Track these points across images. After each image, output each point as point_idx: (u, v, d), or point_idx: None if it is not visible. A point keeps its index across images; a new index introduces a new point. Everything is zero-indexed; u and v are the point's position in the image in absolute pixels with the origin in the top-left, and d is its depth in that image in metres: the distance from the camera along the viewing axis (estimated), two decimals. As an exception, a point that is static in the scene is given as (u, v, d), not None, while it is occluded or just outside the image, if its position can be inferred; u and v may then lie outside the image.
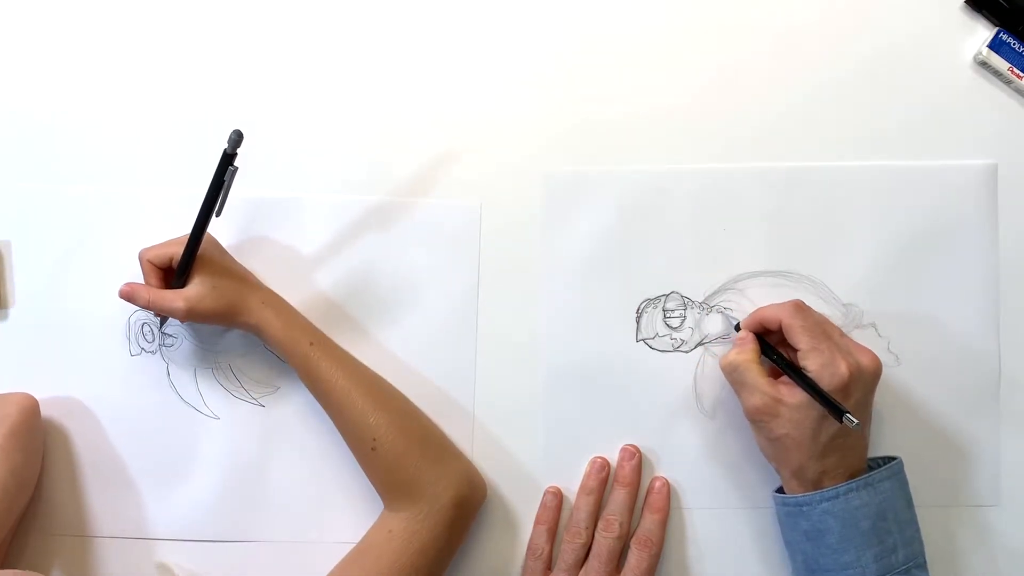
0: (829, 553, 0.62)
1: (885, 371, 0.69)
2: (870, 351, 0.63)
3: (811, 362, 0.62)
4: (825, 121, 0.72)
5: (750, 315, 0.67)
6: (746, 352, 0.65)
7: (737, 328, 0.68)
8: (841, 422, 0.59)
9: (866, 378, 0.62)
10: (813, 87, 0.72)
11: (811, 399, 0.61)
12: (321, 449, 0.71)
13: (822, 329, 0.63)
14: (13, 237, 0.72)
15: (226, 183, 0.64)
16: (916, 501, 0.68)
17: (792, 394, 0.62)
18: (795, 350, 0.63)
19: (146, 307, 0.67)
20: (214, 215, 0.65)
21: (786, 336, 0.64)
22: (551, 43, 0.73)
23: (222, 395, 0.72)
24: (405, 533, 0.63)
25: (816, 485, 0.62)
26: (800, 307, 0.64)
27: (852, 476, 0.62)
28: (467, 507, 0.67)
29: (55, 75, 0.74)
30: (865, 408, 0.63)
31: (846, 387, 0.61)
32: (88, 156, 0.73)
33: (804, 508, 0.63)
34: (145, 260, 0.67)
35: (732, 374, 0.65)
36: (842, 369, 0.61)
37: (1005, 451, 0.70)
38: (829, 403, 0.60)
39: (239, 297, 0.67)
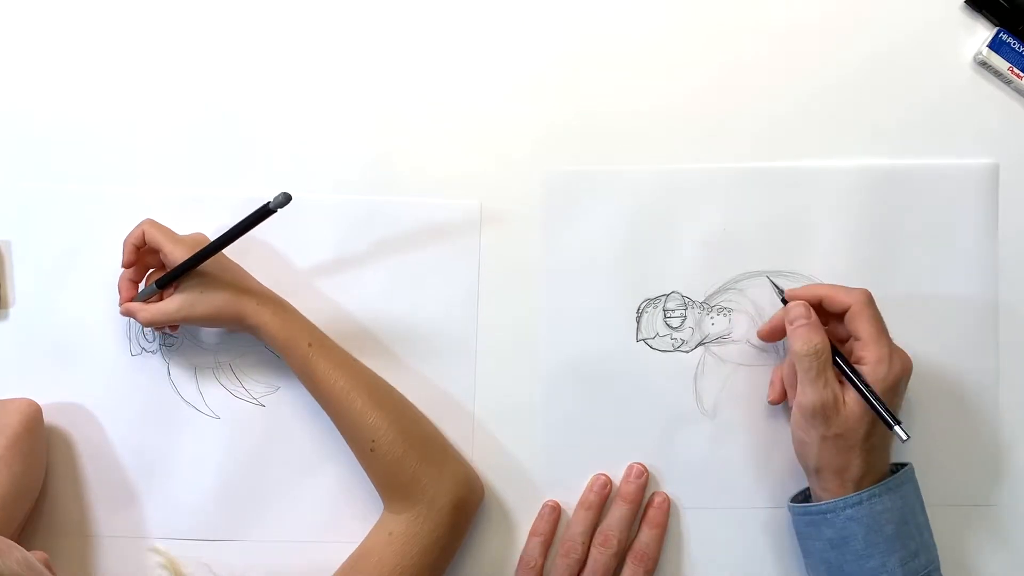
0: (854, 560, 0.61)
1: (885, 371, 0.70)
2: (905, 352, 0.63)
3: (870, 352, 0.61)
4: (825, 121, 0.72)
5: (807, 290, 0.65)
6: (827, 340, 0.61)
7: (784, 300, 0.66)
8: (891, 429, 0.59)
9: (907, 378, 0.63)
10: (813, 87, 0.72)
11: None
12: (321, 449, 0.71)
13: (883, 324, 0.63)
14: (13, 237, 0.72)
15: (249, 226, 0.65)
16: (916, 500, 0.69)
17: (853, 391, 0.61)
18: (850, 339, 0.63)
19: (146, 324, 0.68)
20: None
21: (850, 322, 0.62)
22: (551, 43, 0.73)
23: (222, 395, 0.72)
24: (405, 535, 0.63)
25: (857, 485, 0.61)
26: (870, 298, 0.63)
27: (881, 477, 0.62)
28: (466, 509, 0.67)
29: (55, 75, 0.73)
30: (900, 408, 0.64)
31: (896, 384, 0.61)
32: (88, 156, 0.73)
33: (828, 516, 0.62)
34: (130, 241, 0.67)
35: (812, 361, 0.61)
36: (896, 366, 0.61)
37: (1005, 451, 0.70)
38: (883, 413, 0.60)
39: (232, 300, 0.67)
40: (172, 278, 0.67)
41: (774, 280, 0.69)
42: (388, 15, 0.73)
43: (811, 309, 0.63)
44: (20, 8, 0.74)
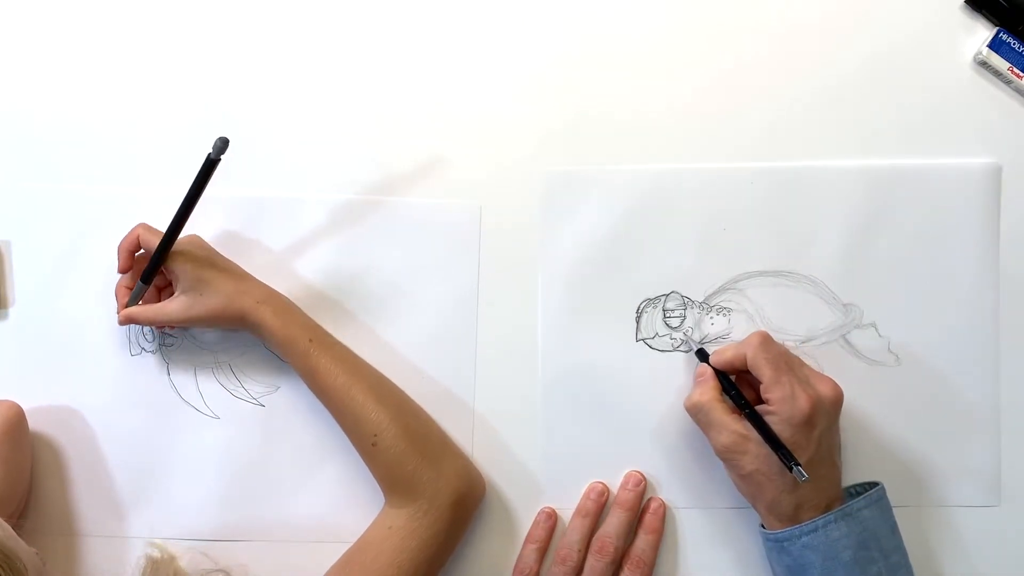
0: None
1: (885, 371, 0.70)
2: (830, 379, 0.64)
3: (773, 394, 0.62)
4: (826, 121, 0.72)
5: (716, 354, 0.66)
6: (708, 391, 0.65)
7: (699, 355, 0.68)
8: (791, 471, 0.60)
9: (827, 407, 0.62)
10: (813, 87, 0.72)
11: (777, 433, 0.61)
12: (321, 449, 0.71)
13: (784, 361, 0.63)
14: (13, 237, 0.72)
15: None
16: (916, 501, 0.69)
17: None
18: (759, 382, 0.63)
19: (148, 324, 0.68)
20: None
21: (751, 370, 0.64)
22: (551, 43, 0.73)
23: (222, 395, 0.72)
24: (404, 530, 0.63)
25: (793, 519, 0.62)
26: (765, 340, 0.64)
27: (830, 506, 0.62)
28: (466, 504, 0.67)
29: (55, 75, 0.73)
30: (831, 436, 0.63)
31: (809, 418, 0.61)
32: (88, 156, 0.73)
33: (784, 544, 0.62)
34: (123, 249, 0.67)
35: (697, 415, 0.65)
36: (802, 401, 0.61)
37: (1005, 451, 0.70)
38: (780, 451, 0.60)
39: (233, 299, 0.67)
40: (153, 268, 0.67)
41: (689, 335, 0.70)
42: (388, 16, 0.73)
43: (707, 370, 0.66)
44: (20, 8, 0.74)
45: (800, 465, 0.60)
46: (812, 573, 0.61)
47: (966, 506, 0.70)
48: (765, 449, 0.61)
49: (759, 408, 0.63)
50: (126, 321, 0.68)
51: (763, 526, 0.66)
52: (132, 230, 0.68)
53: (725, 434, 0.63)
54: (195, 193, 0.65)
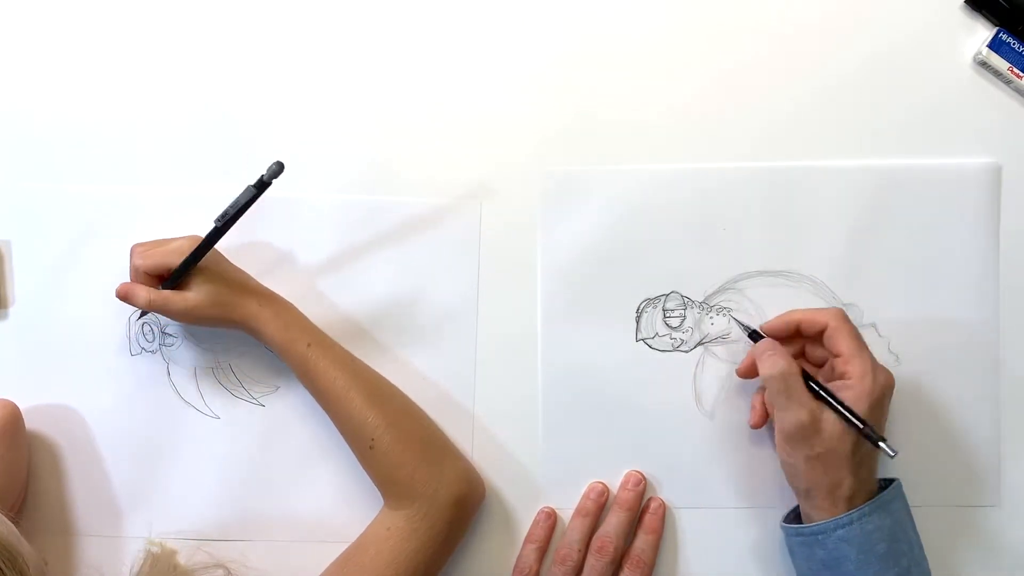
0: None
1: (885, 371, 0.70)
2: (887, 368, 0.63)
3: (854, 367, 0.61)
4: (825, 121, 0.72)
5: (782, 318, 0.65)
6: (793, 363, 0.62)
7: (753, 337, 0.67)
8: (876, 446, 0.58)
9: (891, 393, 0.62)
10: (813, 87, 0.72)
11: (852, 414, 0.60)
12: (321, 449, 0.71)
13: (862, 339, 0.63)
14: (13, 237, 0.72)
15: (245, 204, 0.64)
16: (916, 501, 0.68)
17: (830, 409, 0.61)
18: (833, 356, 0.62)
19: (145, 307, 0.67)
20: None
21: (829, 341, 0.63)
22: (551, 43, 0.73)
23: (222, 395, 0.72)
24: (403, 531, 0.63)
25: (849, 503, 0.61)
26: (844, 313, 0.64)
27: (871, 495, 0.61)
28: (465, 506, 0.67)
29: (55, 75, 0.74)
30: (885, 424, 0.63)
31: (883, 399, 0.61)
32: (88, 156, 0.73)
33: (820, 537, 0.62)
34: (142, 271, 0.66)
35: (778, 385, 0.61)
36: (882, 377, 0.61)
37: (1005, 451, 0.70)
38: (865, 426, 0.59)
39: (234, 301, 0.66)
40: (174, 280, 0.66)
41: (737, 318, 0.70)
42: (388, 15, 0.73)
43: (776, 343, 0.64)
44: (20, 8, 0.74)
45: (886, 441, 0.58)
46: (847, 566, 0.60)
47: (966, 506, 0.70)
48: (840, 427, 0.60)
49: (832, 384, 0.62)
50: (124, 294, 0.65)
51: (786, 522, 0.65)
52: (132, 266, 0.66)
53: (803, 411, 0.60)
54: (237, 213, 0.64)
